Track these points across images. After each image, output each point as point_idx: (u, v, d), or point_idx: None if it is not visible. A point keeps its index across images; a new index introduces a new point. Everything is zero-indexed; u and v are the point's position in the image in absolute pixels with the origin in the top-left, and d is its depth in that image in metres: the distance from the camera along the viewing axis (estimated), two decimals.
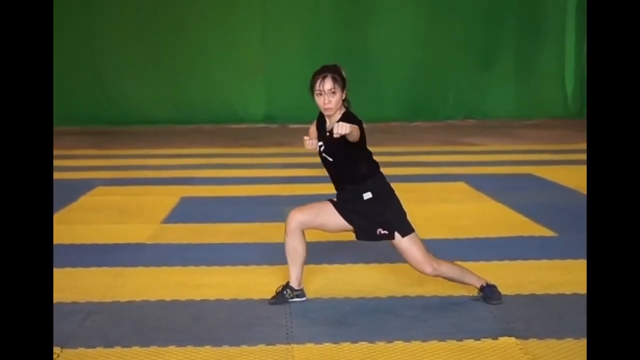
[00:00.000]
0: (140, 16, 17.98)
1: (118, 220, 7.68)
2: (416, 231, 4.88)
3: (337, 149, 4.77)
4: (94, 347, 4.29)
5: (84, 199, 8.82)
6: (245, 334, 4.47)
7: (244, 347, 4.29)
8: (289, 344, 4.34)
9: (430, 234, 6.80)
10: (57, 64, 17.59)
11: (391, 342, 4.32)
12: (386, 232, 4.81)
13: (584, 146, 13.58)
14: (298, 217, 4.90)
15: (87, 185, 9.56)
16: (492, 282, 5.00)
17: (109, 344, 4.33)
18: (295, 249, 4.95)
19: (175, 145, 14.20)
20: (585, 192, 8.86)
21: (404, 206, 4.91)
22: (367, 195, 4.81)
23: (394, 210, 4.84)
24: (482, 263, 5.81)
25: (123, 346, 4.30)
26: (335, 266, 5.87)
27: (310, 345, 4.31)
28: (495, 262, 5.94)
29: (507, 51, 18.58)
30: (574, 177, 9.91)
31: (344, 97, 4.84)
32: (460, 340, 4.34)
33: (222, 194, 9.15)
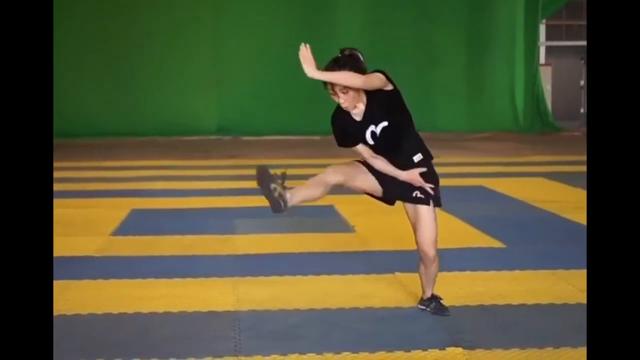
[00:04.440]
0: (94, 28, 17.86)
1: (65, 233, 7.57)
2: None
3: (394, 111, 4.73)
4: None
5: None
6: (193, 347, 4.43)
7: (191, 359, 4.25)
8: (237, 356, 4.31)
9: (379, 246, 6.83)
10: None
11: (339, 353, 4.31)
12: (422, 196, 4.79)
13: (534, 158, 13.77)
14: (336, 178, 4.77)
15: None
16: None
17: (54, 358, 4.25)
18: (314, 194, 4.82)
19: (126, 158, 14.09)
20: (533, 204, 8.96)
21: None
22: (418, 157, 4.80)
23: (434, 177, 4.84)
24: None
25: None
26: (284, 278, 5.85)
27: (258, 357, 4.28)
28: (444, 273, 5.92)
29: (457, 65, 18.77)
30: (524, 189, 10.02)
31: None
32: (408, 351, 4.35)
33: (173, 206, 9.09)
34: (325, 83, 4.61)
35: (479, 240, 7.12)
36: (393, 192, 4.87)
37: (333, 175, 4.78)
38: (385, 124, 4.72)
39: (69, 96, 17.67)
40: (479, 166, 12.70)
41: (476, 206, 8.87)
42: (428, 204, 4.80)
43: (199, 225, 7.89)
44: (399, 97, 4.75)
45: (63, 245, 6.97)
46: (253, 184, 10.41)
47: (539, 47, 19.50)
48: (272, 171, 4.78)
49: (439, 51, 18.56)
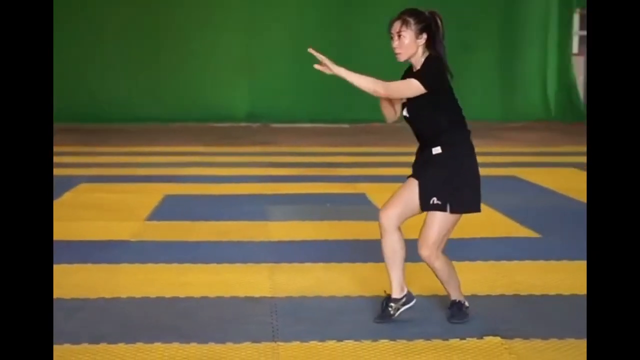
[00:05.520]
0: (125, 14, 17.95)
1: (102, 218, 7.65)
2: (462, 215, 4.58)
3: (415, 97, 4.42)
4: (79, 343, 4.28)
5: (67, 196, 8.79)
6: (231, 332, 4.47)
7: (230, 344, 4.28)
8: (275, 341, 4.34)
9: (414, 234, 6.80)
10: None
11: (377, 340, 4.33)
12: (439, 202, 4.41)
13: (566, 149, 13.68)
14: (390, 214, 4.49)
15: (70, 183, 9.52)
16: (466, 302, 4.68)
17: (95, 340, 4.31)
18: (394, 250, 4.53)
19: (159, 143, 14.16)
20: (567, 194, 8.92)
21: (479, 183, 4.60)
22: (436, 150, 4.44)
23: (460, 179, 4.45)
24: (466, 263, 5.83)
25: (109, 342, 4.29)
26: (319, 265, 5.87)
27: (296, 343, 4.31)
28: (479, 263, 5.97)
29: (490, 55, 18.67)
30: (556, 180, 9.98)
31: (422, 42, 4.51)
32: (446, 339, 4.36)
33: (206, 192, 9.14)
34: (390, 23, 4.50)
35: (514, 230, 7.11)
36: (420, 200, 4.51)
37: (386, 214, 4.51)
38: (406, 103, 4.49)
39: (103, 82, 17.81)
40: (511, 156, 12.65)
41: (509, 196, 8.84)
42: (444, 210, 4.44)
43: (232, 211, 7.93)
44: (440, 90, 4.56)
45: (99, 230, 7.05)
46: (285, 171, 10.54)
47: (572, 37, 19.34)
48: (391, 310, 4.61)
49: (472, 39, 18.45)
